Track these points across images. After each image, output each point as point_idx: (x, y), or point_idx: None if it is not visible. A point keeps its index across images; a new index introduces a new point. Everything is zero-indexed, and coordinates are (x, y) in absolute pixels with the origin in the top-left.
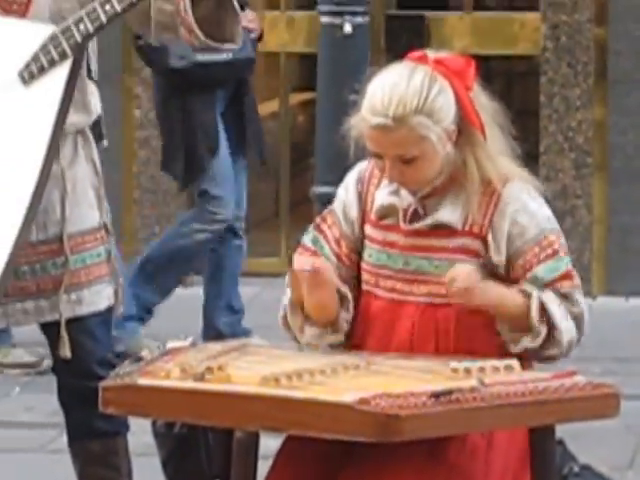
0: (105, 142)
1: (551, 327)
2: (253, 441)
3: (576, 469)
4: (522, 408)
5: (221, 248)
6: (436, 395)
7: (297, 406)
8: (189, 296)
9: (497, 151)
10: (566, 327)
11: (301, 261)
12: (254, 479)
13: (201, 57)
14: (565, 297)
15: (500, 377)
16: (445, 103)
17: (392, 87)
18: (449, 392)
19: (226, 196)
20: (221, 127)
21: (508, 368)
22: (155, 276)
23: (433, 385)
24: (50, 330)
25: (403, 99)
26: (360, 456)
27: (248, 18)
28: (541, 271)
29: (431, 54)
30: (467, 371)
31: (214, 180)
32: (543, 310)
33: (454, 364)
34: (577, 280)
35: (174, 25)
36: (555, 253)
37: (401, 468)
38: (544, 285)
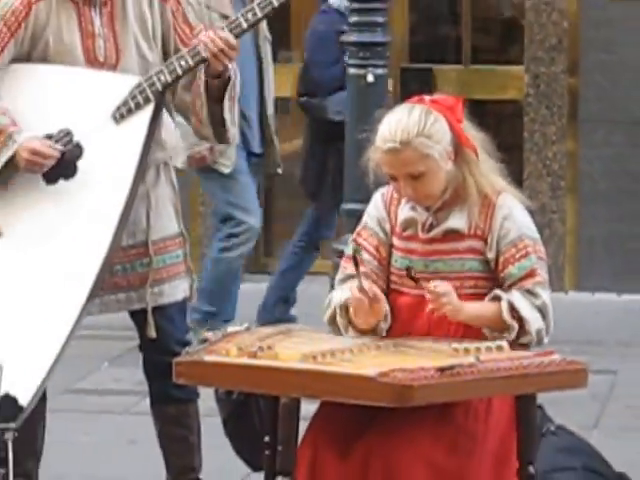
0: None
1: (520, 321)
2: (295, 406)
3: (552, 428)
4: (510, 380)
5: (304, 254)
6: (441, 369)
7: (330, 378)
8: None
9: (489, 168)
10: (533, 318)
11: (366, 285)
12: (296, 436)
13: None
14: (529, 292)
15: (492, 355)
16: (440, 129)
17: (396, 120)
18: (452, 367)
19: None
20: None
21: (499, 348)
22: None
23: (439, 361)
24: (138, 316)
25: (406, 127)
26: (381, 419)
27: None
28: (515, 269)
29: (427, 96)
30: (466, 350)
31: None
32: (512, 309)
33: (456, 345)
34: (540, 277)
35: (188, 113)
36: (527, 255)
37: (416, 428)
38: (516, 281)
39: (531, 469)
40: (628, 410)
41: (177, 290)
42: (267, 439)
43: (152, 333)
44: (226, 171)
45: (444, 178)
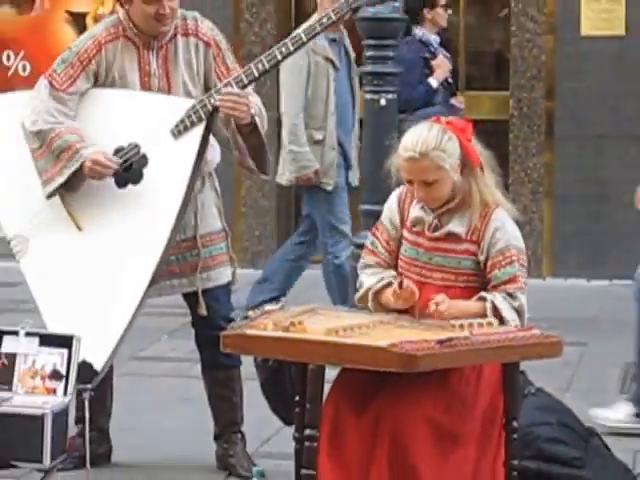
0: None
1: (501, 319)
2: (320, 371)
3: (532, 390)
4: (498, 350)
5: None
6: (441, 341)
7: (349, 349)
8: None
9: (492, 182)
10: (510, 318)
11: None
12: (321, 396)
13: None
14: (509, 295)
15: (483, 330)
16: (453, 145)
17: (418, 134)
18: (449, 339)
19: None
20: None
21: (489, 324)
22: None
23: (439, 335)
24: (190, 298)
25: (425, 141)
26: (390, 383)
27: (458, 99)
28: (500, 273)
29: (443, 118)
30: (461, 326)
31: None
32: (495, 308)
33: (453, 322)
34: (520, 283)
35: (229, 146)
36: (512, 262)
37: (418, 391)
38: (500, 283)
39: (515, 424)
40: (595, 376)
41: (222, 275)
42: (297, 399)
43: (203, 311)
44: (329, 188)
45: (452, 186)
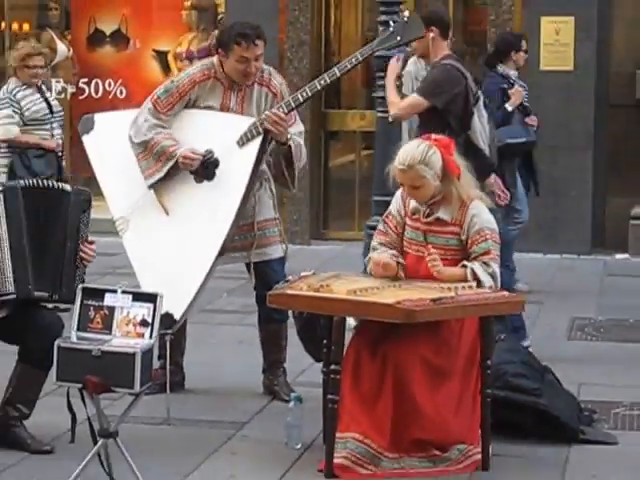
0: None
1: (478, 281)
2: (343, 322)
3: (502, 337)
4: (477, 307)
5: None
6: (434, 300)
7: (365, 305)
8: None
9: (468, 184)
10: (486, 279)
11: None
12: (343, 341)
13: (512, 140)
14: (485, 263)
15: (466, 291)
16: (436, 159)
17: (408, 150)
18: (440, 298)
19: (523, 208)
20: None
21: (470, 287)
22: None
23: (432, 295)
24: (249, 267)
25: (413, 156)
26: (394, 332)
27: (531, 118)
28: (477, 248)
29: (433, 135)
30: (449, 289)
31: (517, 199)
32: (474, 273)
33: (443, 285)
34: (492, 255)
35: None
36: (485, 240)
37: (415, 339)
38: (478, 255)
39: (488, 362)
40: (549, 326)
41: (275, 251)
42: (325, 342)
43: (253, 278)
44: None
45: (433, 189)
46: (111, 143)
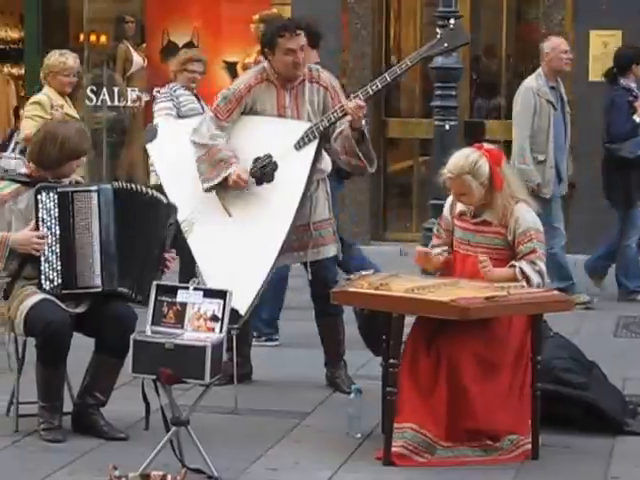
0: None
1: (527, 279)
2: (401, 318)
3: (551, 334)
4: (527, 305)
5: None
6: (487, 298)
7: (421, 302)
8: None
9: (513, 189)
10: (534, 277)
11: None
12: (401, 336)
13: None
14: (532, 262)
15: (517, 290)
16: (483, 171)
17: (459, 159)
18: (493, 297)
19: None
20: None
21: (522, 287)
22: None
23: (485, 293)
24: (306, 266)
25: (462, 166)
26: (449, 328)
27: None
28: (523, 248)
29: (485, 145)
30: (502, 288)
31: None
32: (522, 272)
33: (496, 284)
34: (538, 254)
35: (338, 155)
36: (531, 239)
37: (467, 334)
38: (525, 254)
39: (539, 358)
40: (597, 324)
41: (329, 251)
42: (384, 337)
43: (309, 276)
44: (548, 197)
45: (478, 196)
46: (173, 150)
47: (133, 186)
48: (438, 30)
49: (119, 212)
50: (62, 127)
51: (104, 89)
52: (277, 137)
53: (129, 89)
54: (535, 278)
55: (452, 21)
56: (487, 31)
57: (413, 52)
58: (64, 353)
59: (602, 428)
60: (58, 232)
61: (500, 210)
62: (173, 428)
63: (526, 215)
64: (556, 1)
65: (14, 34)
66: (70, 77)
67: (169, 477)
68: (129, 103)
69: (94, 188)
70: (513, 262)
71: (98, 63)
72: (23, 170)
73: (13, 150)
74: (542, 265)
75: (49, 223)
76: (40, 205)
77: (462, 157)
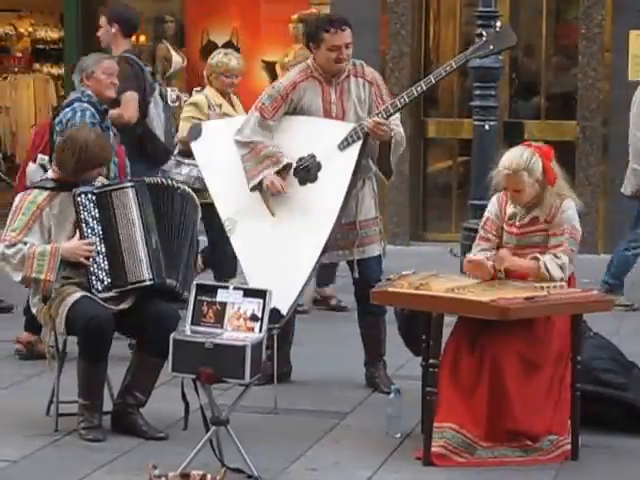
0: None
1: (548, 272)
2: (441, 318)
3: (591, 334)
4: (567, 305)
5: None
6: (527, 298)
7: (462, 302)
8: None
9: (563, 184)
10: (555, 272)
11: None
12: (441, 336)
13: None
14: (555, 255)
15: (557, 290)
16: (537, 167)
17: (513, 156)
18: (533, 297)
19: None
20: None
21: (562, 287)
22: None
23: (526, 294)
24: (351, 264)
25: (518, 162)
26: (491, 328)
27: None
28: (553, 240)
29: (534, 143)
30: (542, 288)
31: None
32: (545, 265)
33: (536, 284)
34: (565, 248)
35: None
36: (563, 233)
37: (509, 334)
38: (551, 247)
39: (579, 358)
40: (636, 324)
41: (373, 250)
42: (424, 337)
43: (356, 275)
44: None
45: (533, 193)
46: (218, 149)
47: (164, 181)
48: (484, 32)
49: (156, 206)
50: (82, 134)
51: None
52: (321, 137)
53: (169, 89)
54: (556, 273)
55: (498, 23)
56: (527, 31)
57: (458, 54)
58: (106, 349)
59: None
60: (101, 232)
61: (548, 206)
62: (213, 428)
63: (569, 210)
64: (596, 1)
65: (54, 34)
66: (232, 78)
67: (209, 476)
68: (169, 103)
69: (129, 184)
70: (537, 254)
71: None
72: (49, 174)
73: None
74: (565, 259)
75: (92, 224)
76: (81, 208)
77: (517, 154)
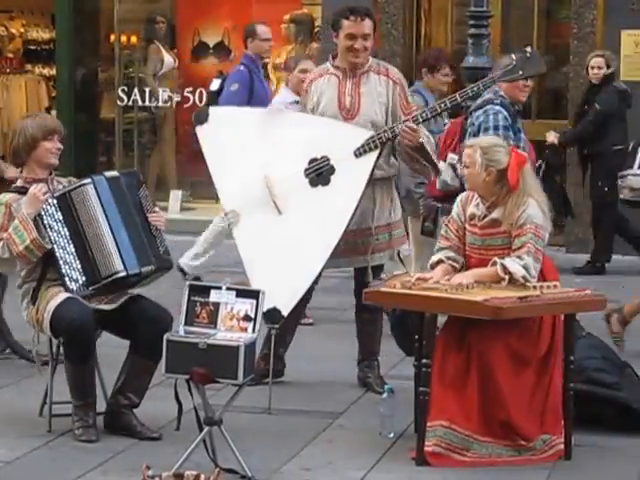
0: None
1: (510, 275)
2: (434, 318)
3: (584, 333)
4: (560, 305)
5: None
6: (520, 298)
7: (455, 302)
8: None
9: (531, 190)
10: (517, 273)
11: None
12: (434, 336)
13: None
14: (518, 257)
15: (550, 290)
16: (498, 157)
17: (484, 137)
18: (526, 297)
19: None
20: None
21: (554, 286)
22: None
23: (518, 293)
24: (362, 271)
25: (481, 140)
26: (480, 326)
27: None
28: (516, 241)
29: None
30: (534, 287)
31: None
32: (504, 268)
33: (529, 284)
34: (528, 248)
35: (406, 159)
36: (525, 233)
37: (499, 331)
38: (515, 249)
39: (571, 357)
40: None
41: (384, 257)
42: (416, 337)
43: (369, 278)
44: None
45: (482, 179)
46: (225, 136)
47: (111, 172)
48: (513, 56)
49: (117, 197)
50: (22, 120)
51: (135, 89)
52: (337, 141)
53: (160, 89)
54: (518, 272)
55: (529, 49)
56: (518, 31)
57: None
58: (90, 349)
59: (635, 428)
60: (67, 233)
61: (509, 209)
62: (206, 428)
63: (530, 209)
64: (587, 1)
65: (45, 35)
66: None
67: (202, 477)
68: (160, 103)
69: (87, 181)
70: (495, 259)
71: (129, 63)
72: (19, 181)
73: None
74: (529, 259)
75: (57, 227)
76: (43, 213)
77: (489, 137)
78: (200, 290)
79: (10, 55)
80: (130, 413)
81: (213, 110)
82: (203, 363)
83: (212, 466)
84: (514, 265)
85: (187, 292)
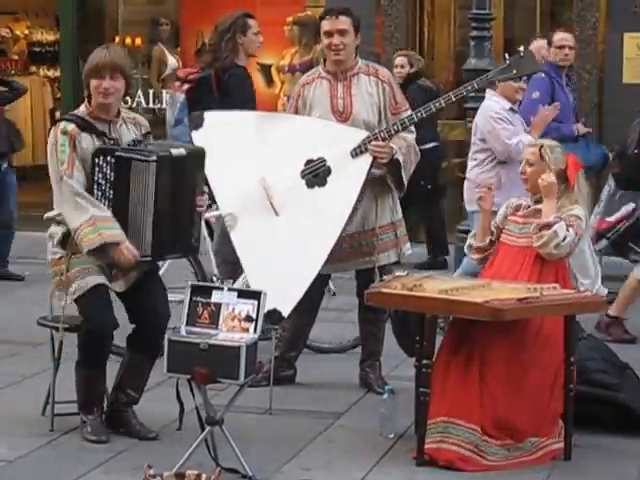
0: None
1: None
2: (435, 319)
3: (584, 335)
4: (560, 306)
5: None
6: (520, 299)
7: (455, 303)
8: None
9: (580, 197)
10: (560, 235)
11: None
12: (434, 337)
13: None
14: (570, 225)
15: (550, 292)
16: (560, 158)
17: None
18: (526, 298)
19: None
20: None
21: (554, 288)
22: None
23: (518, 295)
24: (363, 272)
25: (545, 140)
26: (481, 328)
27: None
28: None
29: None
30: (534, 289)
31: None
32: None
33: (529, 286)
34: (577, 224)
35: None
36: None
37: (498, 333)
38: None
39: (572, 359)
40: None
41: (390, 256)
42: (417, 338)
43: (378, 279)
44: None
45: (539, 173)
46: (221, 140)
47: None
48: (507, 55)
49: (174, 180)
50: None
51: (139, 91)
52: (333, 142)
53: (164, 91)
54: (559, 234)
55: (522, 48)
56: (520, 33)
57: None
58: (105, 356)
59: (635, 428)
60: (111, 196)
61: (561, 203)
62: (207, 427)
63: (577, 210)
64: (590, 3)
65: (50, 36)
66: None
67: (204, 476)
68: (164, 105)
69: (154, 158)
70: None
71: (133, 65)
72: (82, 109)
73: None
74: (573, 234)
75: (104, 186)
76: (96, 170)
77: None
78: (202, 291)
79: (15, 57)
80: (130, 412)
81: (208, 114)
82: (204, 363)
83: (213, 466)
84: (563, 231)
85: (189, 292)
